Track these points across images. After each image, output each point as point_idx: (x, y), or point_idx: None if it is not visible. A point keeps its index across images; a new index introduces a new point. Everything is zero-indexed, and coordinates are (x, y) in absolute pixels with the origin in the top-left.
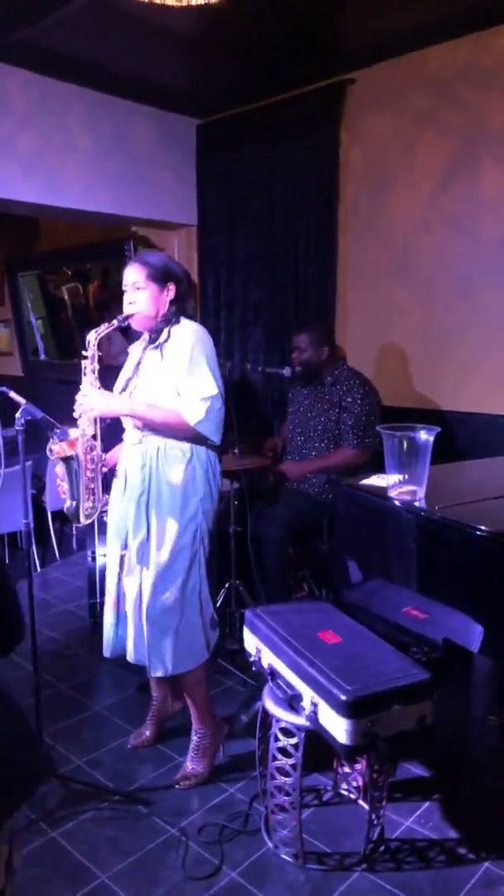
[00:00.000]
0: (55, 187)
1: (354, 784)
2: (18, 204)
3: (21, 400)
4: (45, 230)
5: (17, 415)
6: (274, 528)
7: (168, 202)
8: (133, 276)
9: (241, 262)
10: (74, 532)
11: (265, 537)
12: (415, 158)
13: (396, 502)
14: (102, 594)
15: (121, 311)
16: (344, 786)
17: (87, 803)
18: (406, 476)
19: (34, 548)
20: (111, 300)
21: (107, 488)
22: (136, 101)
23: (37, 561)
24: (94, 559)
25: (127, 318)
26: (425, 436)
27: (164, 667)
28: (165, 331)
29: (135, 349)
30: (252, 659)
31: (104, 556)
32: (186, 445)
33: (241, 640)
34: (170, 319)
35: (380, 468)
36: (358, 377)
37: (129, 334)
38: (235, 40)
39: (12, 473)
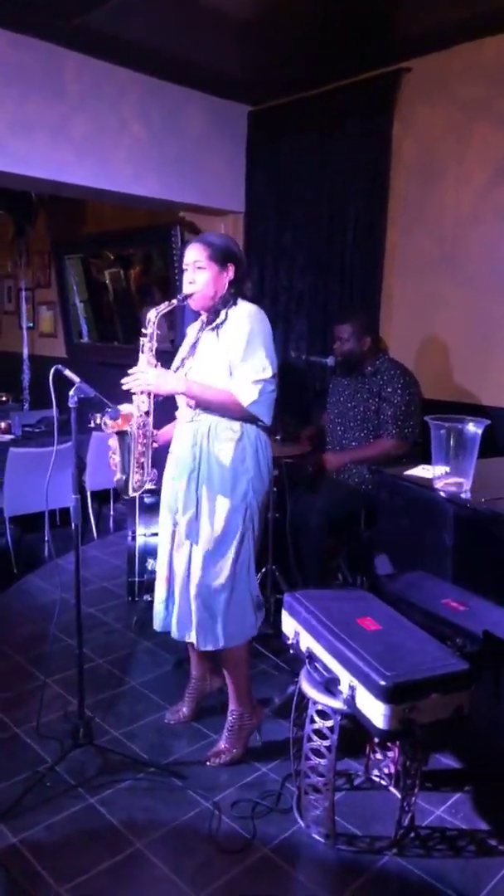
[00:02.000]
0: (107, 171)
1: (386, 770)
2: (70, 187)
3: (75, 378)
4: (92, 214)
5: (71, 393)
6: (312, 517)
7: (217, 188)
8: (194, 255)
9: (287, 251)
10: (112, 513)
11: (303, 525)
12: (467, 150)
13: (442, 493)
14: (142, 573)
15: (166, 294)
16: (375, 772)
17: (124, 773)
18: (453, 468)
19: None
20: (152, 285)
21: (158, 464)
22: (189, 86)
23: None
24: (133, 539)
25: (186, 297)
26: (474, 428)
27: (215, 641)
28: (223, 312)
29: (191, 330)
30: (290, 642)
31: (144, 535)
32: (237, 425)
33: (275, 625)
34: (227, 301)
35: (419, 459)
36: (398, 368)
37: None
38: (290, 27)
39: (57, 452)
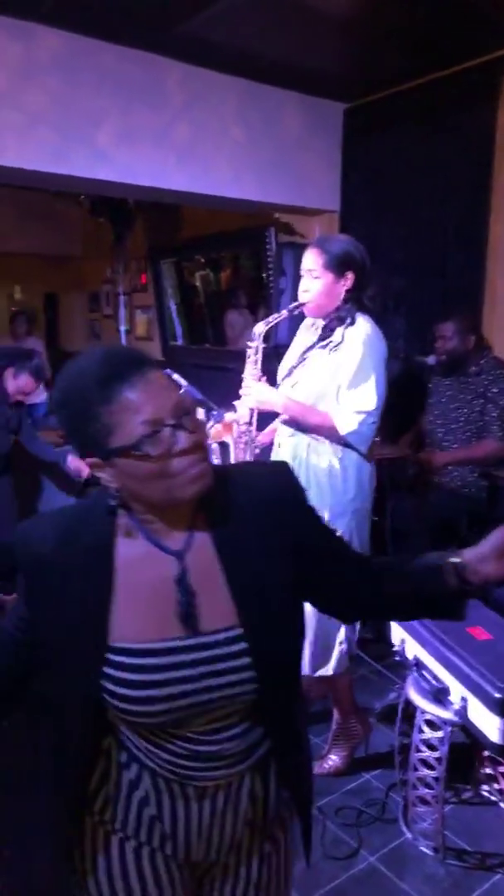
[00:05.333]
0: (206, 176)
1: (497, 786)
2: (171, 193)
3: (183, 382)
4: (187, 219)
5: None
6: (413, 521)
7: (312, 188)
8: (309, 262)
9: (384, 249)
10: None
11: (404, 529)
12: None
13: None
14: None
15: (254, 297)
16: (485, 787)
17: None
18: None
19: None
20: (241, 288)
21: None
22: (286, 87)
23: None
24: None
25: (298, 306)
26: None
27: (301, 667)
28: (339, 331)
29: (302, 333)
30: (395, 648)
31: None
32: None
33: (375, 630)
34: (344, 318)
35: None
36: None
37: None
38: (387, 18)
39: None
